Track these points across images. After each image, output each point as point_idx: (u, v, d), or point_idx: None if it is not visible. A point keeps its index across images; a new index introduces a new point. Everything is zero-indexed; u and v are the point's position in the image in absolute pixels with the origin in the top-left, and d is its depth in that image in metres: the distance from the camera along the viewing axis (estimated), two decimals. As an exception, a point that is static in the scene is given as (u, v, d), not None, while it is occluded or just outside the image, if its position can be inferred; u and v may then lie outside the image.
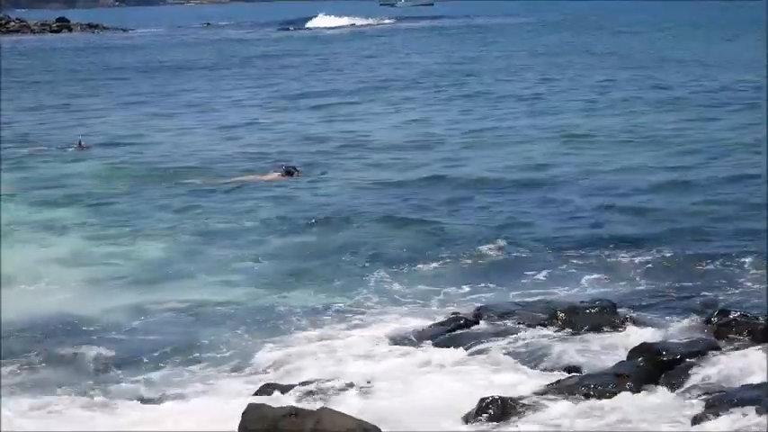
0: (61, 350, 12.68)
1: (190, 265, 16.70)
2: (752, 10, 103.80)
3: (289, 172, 23.37)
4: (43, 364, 12.25)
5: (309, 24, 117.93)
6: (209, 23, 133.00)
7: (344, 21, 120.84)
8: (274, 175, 23.43)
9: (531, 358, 11.58)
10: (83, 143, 28.89)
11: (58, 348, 12.74)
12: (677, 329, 12.31)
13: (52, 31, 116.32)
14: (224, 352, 12.56)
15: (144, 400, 11.06)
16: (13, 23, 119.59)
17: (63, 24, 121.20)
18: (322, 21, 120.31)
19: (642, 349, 11.22)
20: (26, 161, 26.85)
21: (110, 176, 24.63)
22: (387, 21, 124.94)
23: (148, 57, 72.78)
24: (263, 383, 11.08)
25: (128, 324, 13.76)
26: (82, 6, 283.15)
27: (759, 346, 11.29)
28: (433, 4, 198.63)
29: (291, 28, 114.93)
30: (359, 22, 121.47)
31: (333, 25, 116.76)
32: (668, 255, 15.87)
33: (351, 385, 10.75)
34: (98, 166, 25.93)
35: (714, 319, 12.16)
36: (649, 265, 15.39)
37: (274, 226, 19.06)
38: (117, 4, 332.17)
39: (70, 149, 28.44)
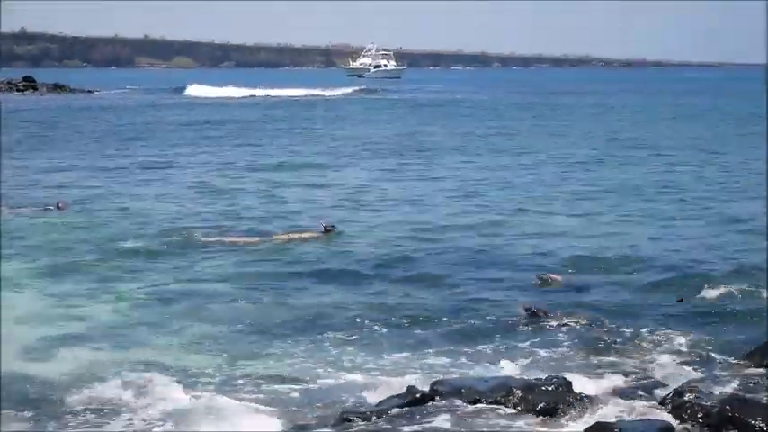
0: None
1: (146, 328, 16.58)
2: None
3: (327, 230, 23.95)
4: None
5: (186, 93, 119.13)
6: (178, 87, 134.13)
7: (302, 91, 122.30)
8: (313, 234, 23.94)
9: (486, 436, 11.46)
10: (61, 204, 28.98)
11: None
12: (632, 409, 12.27)
13: (18, 90, 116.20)
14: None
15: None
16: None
17: (29, 84, 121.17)
18: (197, 90, 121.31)
19: (597, 429, 11.15)
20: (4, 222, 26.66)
21: (85, 237, 24.52)
22: (348, 91, 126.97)
23: (114, 118, 72.93)
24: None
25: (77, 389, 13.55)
26: (48, 66, 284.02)
27: (713, 429, 11.29)
28: (400, 77, 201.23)
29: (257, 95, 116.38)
30: (317, 92, 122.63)
31: (295, 95, 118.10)
32: (627, 333, 15.92)
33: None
34: (76, 227, 25.94)
35: (669, 400, 12.13)
36: (606, 343, 15.40)
37: (238, 289, 19.18)
38: (84, 65, 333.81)
39: (49, 210, 28.44)
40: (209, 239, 23.73)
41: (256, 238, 23.92)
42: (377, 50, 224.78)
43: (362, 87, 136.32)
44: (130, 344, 15.73)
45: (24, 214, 27.81)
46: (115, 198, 31.63)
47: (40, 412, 12.56)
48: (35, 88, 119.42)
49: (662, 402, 12.23)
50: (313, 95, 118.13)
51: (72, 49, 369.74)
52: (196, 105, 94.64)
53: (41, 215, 27.78)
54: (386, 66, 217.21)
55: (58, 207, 28.77)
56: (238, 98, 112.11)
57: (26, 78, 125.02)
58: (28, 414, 12.50)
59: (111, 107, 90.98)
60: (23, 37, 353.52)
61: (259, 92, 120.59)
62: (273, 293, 18.88)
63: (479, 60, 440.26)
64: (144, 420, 12.32)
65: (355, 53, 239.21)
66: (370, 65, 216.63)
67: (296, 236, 23.87)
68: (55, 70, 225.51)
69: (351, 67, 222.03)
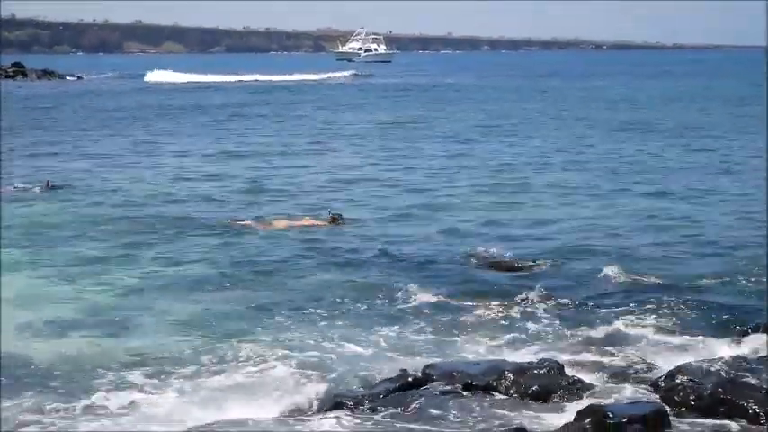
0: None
1: (138, 310, 16.60)
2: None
3: (334, 218, 23.85)
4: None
5: (148, 78, 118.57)
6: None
7: (296, 76, 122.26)
8: (321, 222, 23.88)
9: (479, 419, 11.47)
10: (50, 183, 29.01)
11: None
12: (624, 392, 12.30)
13: (8, 77, 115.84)
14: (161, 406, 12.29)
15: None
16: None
17: (18, 70, 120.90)
18: (160, 75, 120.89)
19: (589, 411, 11.16)
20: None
21: (75, 218, 24.60)
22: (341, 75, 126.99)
23: (99, 103, 72.87)
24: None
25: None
26: (38, 52, 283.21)
27: (705, 412, 11.33)
28: (391, 61, 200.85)
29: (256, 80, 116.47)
30: (310, 77, 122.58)
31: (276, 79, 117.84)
32: (617, 315, 15.93)
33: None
34: (64, 208, 26.05)
35: (662, 383, 12.15)
36: (596, 326, 15.39)
37: (233, 272, 19.21)
38: (74, 51, 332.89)
39: (36, 189, 28.48)
40: (223, 223, 23.73)
41: (265, 223, 23.89)
42: (366, 34, 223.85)
43: (353, 72, 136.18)
44: (124, 327, 15.70)
45: (11, 193, 27.94)
46: (105, 180, 31.72)
47: (37, 396, 12.54)
48: (25, 74, 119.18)
49: (654, 385, 12.25)
50: (283, 81, 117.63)
51: (62, 34, 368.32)
52: (169, 91, 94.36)
53: (30, 194, 27.94)
54: (376, 50, 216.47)
55: (47, 186, 28.81)
56: (223, 82, 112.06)
57: (15, 64, 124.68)
58: (23, 398, 12.45)
59: (95, 92, 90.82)
60: (13, 23, 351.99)
61: (229, 77, 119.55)
62: (269, 276, 18.87)
63: (469, 44, 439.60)
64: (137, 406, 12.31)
65: (344, 37, 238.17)
66: (359, 49, 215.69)
67: (302, 223, 23.83)
68: (44, 56, 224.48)
69: (340, 51, 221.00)
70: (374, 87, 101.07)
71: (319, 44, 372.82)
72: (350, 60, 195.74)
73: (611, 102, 72.69)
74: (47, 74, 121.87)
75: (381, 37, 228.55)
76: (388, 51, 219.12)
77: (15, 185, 29.25)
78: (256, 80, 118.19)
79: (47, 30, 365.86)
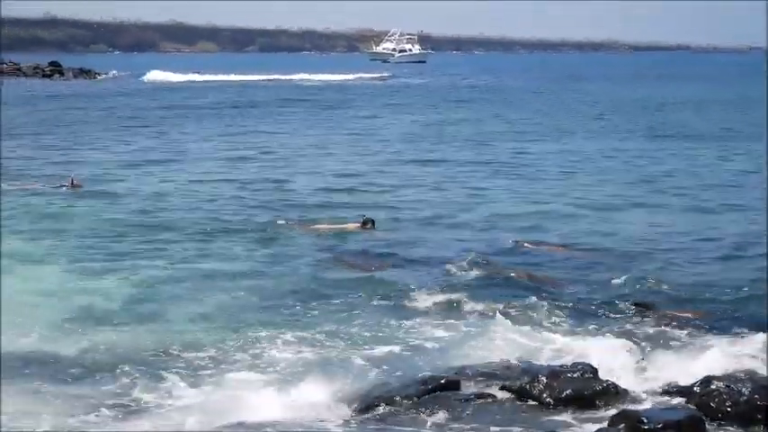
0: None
1: (167, 305, 16.76)
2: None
3: (365, 223, 23.75)
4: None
5: (147, 77, 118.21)
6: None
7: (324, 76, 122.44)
8: (353, 225, 23.82)
9: (512, 423, 11.43)
10: (75, 181, 29.16)
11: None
12: (659, 397, 12.20)
13: (45, 76, 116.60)
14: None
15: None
16: (5, 66, 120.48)
17: (55, 69, 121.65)
18: (157, 75, 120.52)
19: (623, 417, 11.08)
20: (17, 196, 27.14)
21: (98, 216, 24.81)
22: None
23: (128, 102, 73.31)
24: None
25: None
26: (75, 51, 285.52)
27: (741, 419, 11.21)
28: (425, 62, 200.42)
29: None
30: (339, 77, 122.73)
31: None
32: (651, 321, 15.81)
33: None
34: (89, 205, 26.29)
35: (697, 389, 12.03)
36: (630, 330, 15.26)
37: (260, 270, 19.32)
38: (110, 50, 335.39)
39: (63, 188, 28.67)
40: (251, 223, 23.89)
41: (293, 225, 23.88)
42: (400, 35, 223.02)
43: (385, 74, 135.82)
44: (153, 321, 15.86)
45: (36, 190, 28.21)
46: (127, 178, 31.84)
47: (64, 391, 12.60)
48: (61, 73, 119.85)
49: (689, 391, 12.12)
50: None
51: (98, 34, 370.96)
52: (189, 89, 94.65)
53: (55, 191, 28.19)
54: (410, 50, 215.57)
55: (72, 184, 28.92)
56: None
57: (52, 63, 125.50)
58: (44, 390, 12.58)
59: (123, 91, 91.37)
60: (50, 22, 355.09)
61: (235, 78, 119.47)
62: (297, 277, 18.87)
63: (501, 45, 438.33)
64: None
65: (378, 38, 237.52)
66: (393, 49, 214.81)
67: (332, 226, 23.80)
68: (81, 56, 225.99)
69: (374, 51, 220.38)
70: (408, 88, 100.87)
71: (353, 44, 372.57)
72: (384, 61, 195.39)
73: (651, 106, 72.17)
74: (83, 72, 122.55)
75: (416, 37, 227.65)
76: (422, 51, 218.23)
77: (40, 182, 29.49)
78: (277, 79, 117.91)
79: (83, 29, 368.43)
